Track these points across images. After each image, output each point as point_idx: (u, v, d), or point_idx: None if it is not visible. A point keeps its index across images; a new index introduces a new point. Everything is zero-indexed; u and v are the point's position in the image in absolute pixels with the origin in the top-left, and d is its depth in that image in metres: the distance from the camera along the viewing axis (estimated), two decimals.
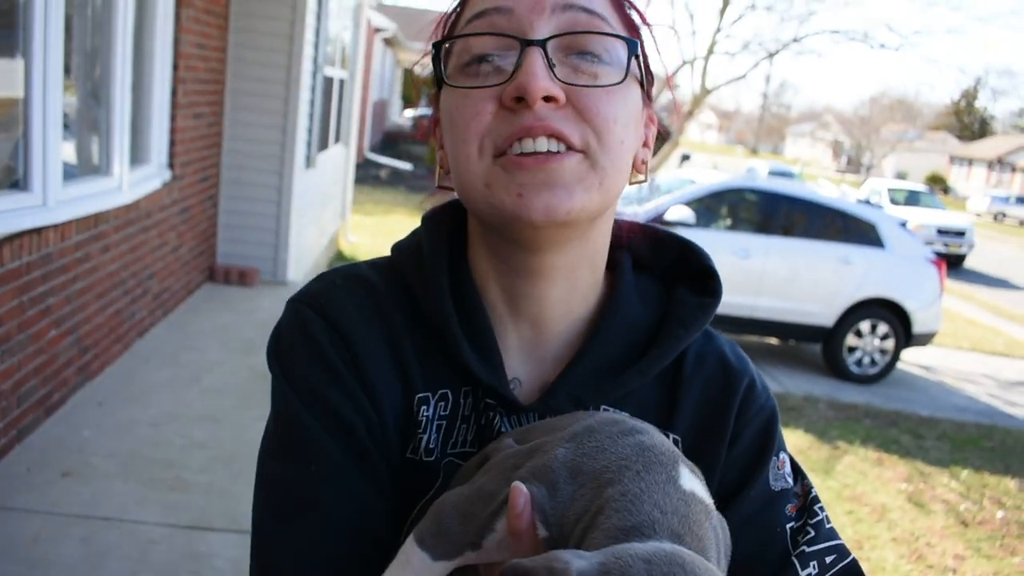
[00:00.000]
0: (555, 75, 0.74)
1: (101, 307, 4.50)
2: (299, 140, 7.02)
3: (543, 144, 0.74)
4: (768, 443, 0.86)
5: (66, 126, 3.88)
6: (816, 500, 0.84)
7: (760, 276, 7.80)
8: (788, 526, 0.82)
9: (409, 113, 32.05)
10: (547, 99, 0.74)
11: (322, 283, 0.86)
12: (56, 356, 3.99)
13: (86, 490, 3.42)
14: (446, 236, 0.87)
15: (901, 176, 47.63)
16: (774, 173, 23.72)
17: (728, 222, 8.14)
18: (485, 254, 0.85)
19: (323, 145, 8.47)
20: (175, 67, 5.44)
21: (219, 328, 5.73)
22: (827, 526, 0.83)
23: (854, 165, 59.52)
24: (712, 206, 8.08)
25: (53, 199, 3.73)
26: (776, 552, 0.81)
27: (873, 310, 7.89)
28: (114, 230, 4.56)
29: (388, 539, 0.79)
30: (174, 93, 5.48)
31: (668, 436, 0.79)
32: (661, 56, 0.86)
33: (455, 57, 0.79)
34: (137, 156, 5.03)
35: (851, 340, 7.96)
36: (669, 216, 7.66)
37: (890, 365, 8.05)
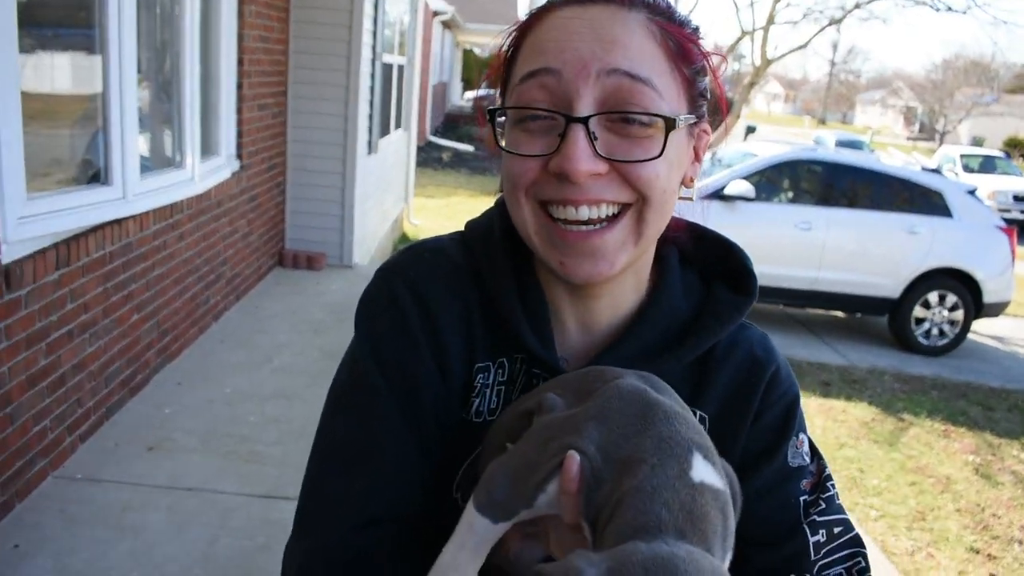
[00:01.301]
0: (596, 150, 0.78)
1: (178, 292, 4.75)
2: (360, 127, 7.20)
3: (584, 212, 0.80)
4: (789, 423, 0.93)
5: (140, 121, 4.08)
6: (829, 478, 0.93)
7: (823, 249, 7.71)
8: (802, 499, 0.91)
9: (469, 95, 32.16)
10: (590, 174, 0.78)
11: (412, 255, 0.94)
12: (138, 339, 4.23)
13: (169, 463, 3.65)
14: (513, 230, 0.92)
15: (977, 142, 45.93)
16: (842, 143, 23.10)
17: (790, 195, 8.05)
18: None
19: (384, 131, 8.64)
20: (240, 61, 5.64)
21: (289, 311, 5.95)
22: (837, 502, 0.92)
23: (927, 132, 57.58)
24: (773, 179, 7.99)
25: (132, 192, 3.94)
26: (789, 520, 0.90)
27: (941, 280, 7.74)
28: (188, 219, 4.79)
29: (430, 495, 0.89)
30: (240, 86, 5.69)
31: (696, 413, 0.87)
32: (717, 78, 0.90)
33: (511, 114, 0.84)
34: (207, 148, 5.25)
35: (919, 312, 7.82)
36: (729, 190, 7.60)
37: (960, 336, 7.89)
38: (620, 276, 0.88)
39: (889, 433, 5.83)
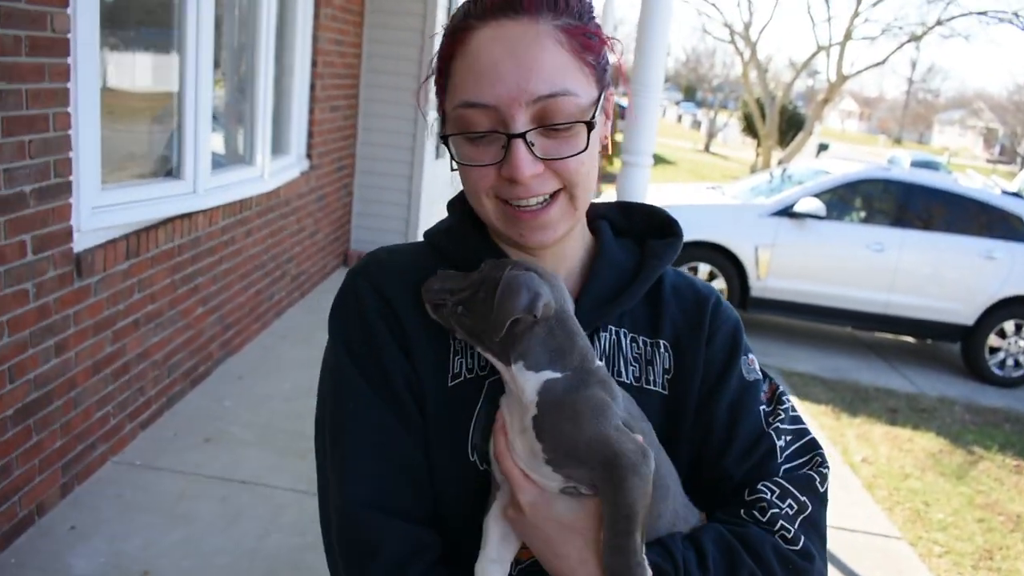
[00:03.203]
0: (535, 155, 0.95)
1: (243, 287, 4.83)
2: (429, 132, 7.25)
3: (534, 201, 0.97)
4: (737, 342, 1.10)
5: (214, 118, 4.17)
6: (784, 394, 1.09)
7: (895, 271, 7.49)
8: (761, 408, 1.06)
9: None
10: (531, 176, 0.95)
11: (372, 258, 1.08)
12: (202, 331, 4.32)
13: (225, 455, 3.71)
14: (467, 215, 1.08)
15: None
16: (917, 163, 22.52)
17: (862, 214, 7.86)
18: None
19: None
20: (314, 63, 5.74)
21: None
22: (792, 413, 1.07)
23: (1008, 154, 55.73)
24: (845, 197, 7.80)
25: (202, 186, 4.03)
26: (756, 428, 1.04)
27: (1019, 309, 7.44)
28: (256, 215, 4.87)
29: (423, 462, 1.00)
30: (312, 87, 5.79)
31: (659, 343, 1.07)
32: (619, 58, 1.07)
33: (456, 126, 0.99)
34: (278, 147, 5.35)
35: (993, 340, 7.52)
36: (799, 208, 7.45)
37: None
38: (560, 242, 1.04)
39: (957, 466, 5.61)
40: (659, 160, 23.53)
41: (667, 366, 1.06)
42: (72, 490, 3.25)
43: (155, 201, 3.64)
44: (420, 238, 1.15)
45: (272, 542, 3.13)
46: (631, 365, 1.05)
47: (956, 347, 8.04)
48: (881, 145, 58.53)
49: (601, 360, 1.00)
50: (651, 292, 1.10)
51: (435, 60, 1.04)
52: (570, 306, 0.96)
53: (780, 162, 19.24)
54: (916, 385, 7.29)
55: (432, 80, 1.05)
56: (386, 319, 1.01)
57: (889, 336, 8.57)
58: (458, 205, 1.11)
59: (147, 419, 3.81)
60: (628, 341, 1.06)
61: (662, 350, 1.07)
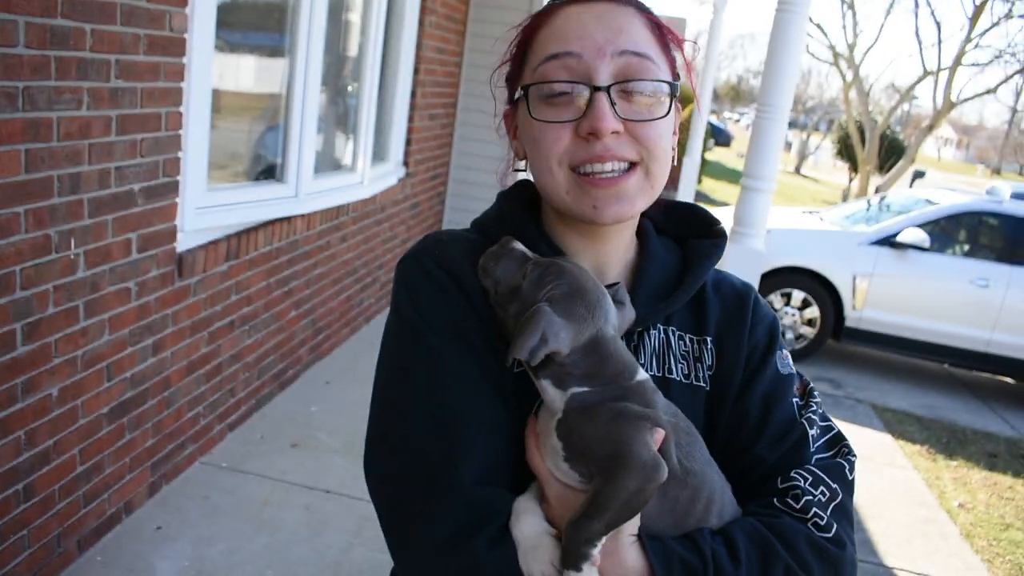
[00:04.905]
0: (616, 112, 0.95)
1: (335, 292, 4.82)
2: None
3: (610, 166, 0.97)
4: (774, 337, 1.12)
5: (317, 123, 4.16)
6: (814, 390, 1.11)
7: (999, 308, 7.12)
8: (794, 400, 1.08)
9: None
10: (612, 132, 0.95)
11: (431, 240, 1.07)
12: (293, 335, 4.31)
13: (311, 462, 3.67)
14: (522, 205, 1.10)
15: None
16: (1018, 196, 21.53)
17: (966, 247, 7.49)
18: (557, 220, 1.07)
19: None
20: (416, 71, 5.72)
21: None
22: (821, 409, 1.09)
23: None
24: (949, 229, 7.46)
25: (304, 191, 4.02)
26: (790, 416, 1.07)
27: None
28: (352, 221, 4.86)
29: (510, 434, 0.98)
30: (413, 95, 5.76)
31: (705, 340, 1.09)
32: (687, 61, 1.08)
33: (536, 89, 0.99)
34: (378, 153, 5.33)
35: None
36: (902, 238, 7.15)
37: None
38: (626, 223, 1.06)
39: None
40: None
41: (711, 362, 1.08)
42: (160, 489, 3.25)
43: (258, 204, 3.63)
44: None
45: (357, 555, 3.07)
46: (679, 363, 1.07)
47: None
48: (979, 175, 56.30)
49: (651, 359, 1.05)
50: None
51: (513, 45, 1.07)
52: (615, 319, 0.95)
53: (878, 189, 18.60)
54: (1016, 429, 6.89)
55: (507, 72, 1.07)
56: (460, 292, 1.00)
57: (987, 375, 8.14)
58: (513, 195, 1.12)
59: (236, 421, 3.81)
60: (676, 339, 1.08)
61: (709, 346, 1.09)
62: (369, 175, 4.92)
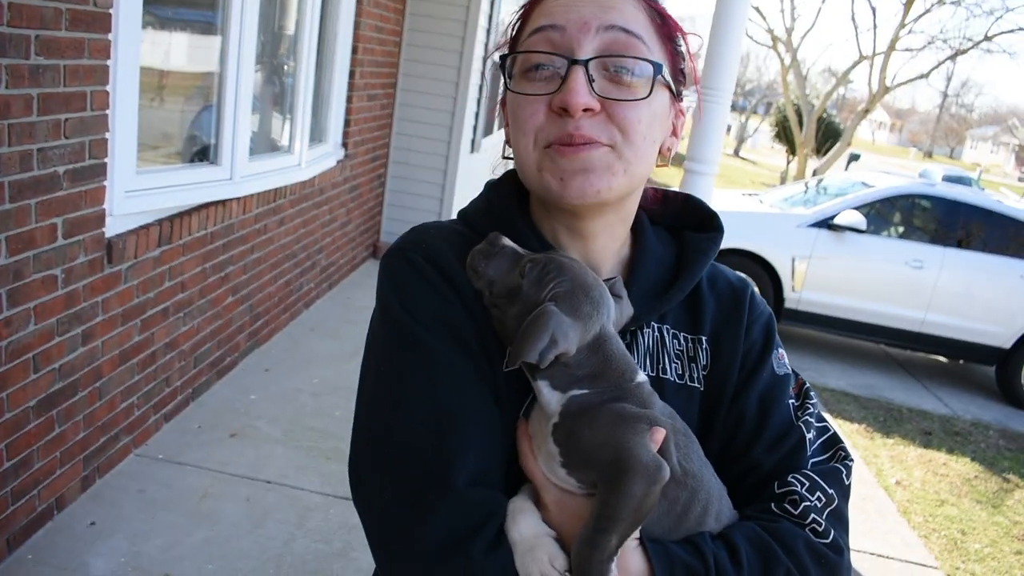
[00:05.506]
0: (593, 89, 0.91)
1: (273, 277, 4.71)
2: (466, 125, 7.10)
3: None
4: (770, 336, 1.10)
5: (252, 104, 4.04)
6: (809, 390, 1.09)
7: (932, 289, 7.30)
8: (790, 402, 1.06)
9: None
10: (586, 110, 0.90)
11: (417, 232, 1.04)
12: (231, 321, 4.20)
13: (251, 452, 3.58)
14: (511, 197, 1.06)
15: None
16: (949, 178, 22.09)
17: (901, 229, 7.66)
18: (543, 213, 1.03)
19: (488, 130, 8.56)
20: (354, 50, 5.60)
21: None
22: (817, 409, 1.07)
23: None
24: (884, 212, 7.61)
25: (239, 173, 3.90)
26: (787, 419, 1.04)
27: None
28: (290, 204, 4.75)
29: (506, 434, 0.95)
30: (351, 75, 5.65)
31: (700, 339, 1.05)
32: (692, 60, 1.04)
33: (519, 64, 0.96)
34: (315, 134, 5.22)
35: None
36: (840, 220, 7.27)
37: None
38: (609, 216, 1.00)
39: (993, 494, 5.42)
40: None
41: (705, 362, 1.05)
42: (93, 483, 3.13)
43: (191, 187, 3.51)
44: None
45: (299, 547, 3.01)
46: (674, 362, 1.04)
47: (990, 370, 7.86)
48: (912, 158, 57.82)
49: (645, 358, 1.01)
50: None
51: (510, 27, 1.03)
52: (615, 316, 0.93)
53: (815, 172, 18.96)
54: (950, 407, 7.10)
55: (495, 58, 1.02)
56: (449, 287, 0.97)
57: (921, 355, 8.36)
58: (501, 186, 1.08)
59: (172, 411, 3.70)
60: (670, 338, 1.05)
61: (704, 346, 1.06)
62: (307, 157, 4.81)
